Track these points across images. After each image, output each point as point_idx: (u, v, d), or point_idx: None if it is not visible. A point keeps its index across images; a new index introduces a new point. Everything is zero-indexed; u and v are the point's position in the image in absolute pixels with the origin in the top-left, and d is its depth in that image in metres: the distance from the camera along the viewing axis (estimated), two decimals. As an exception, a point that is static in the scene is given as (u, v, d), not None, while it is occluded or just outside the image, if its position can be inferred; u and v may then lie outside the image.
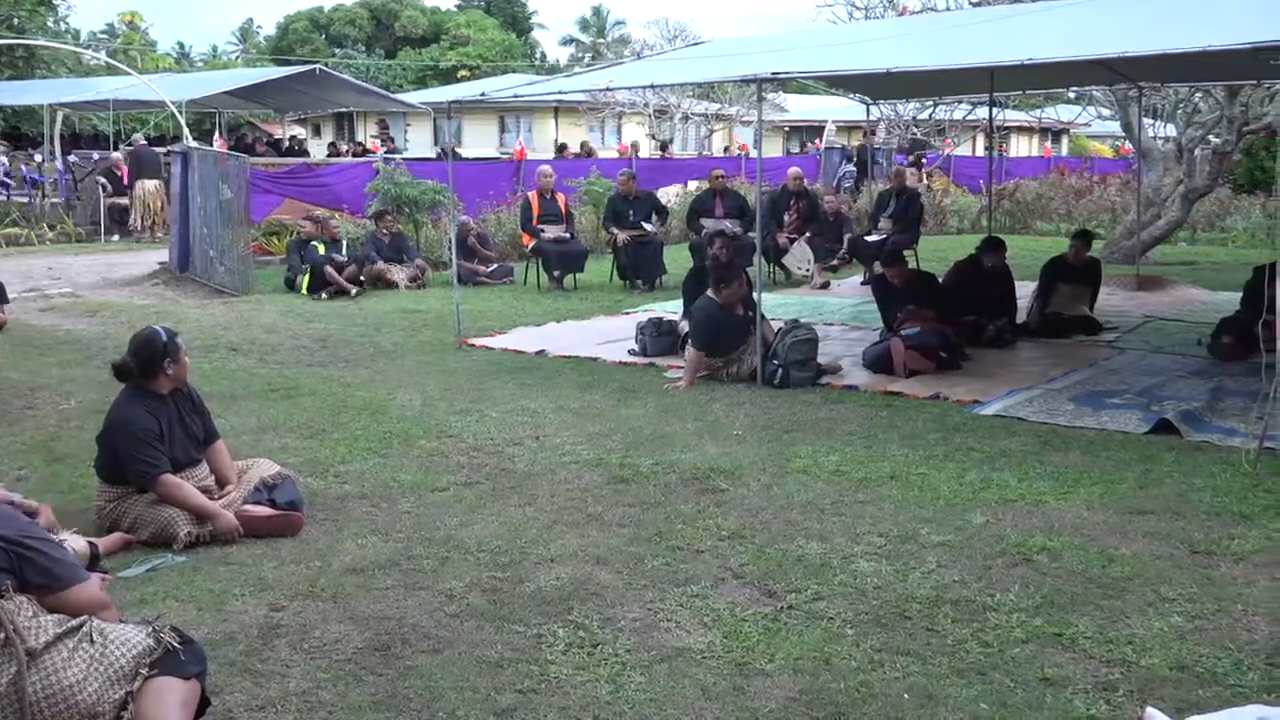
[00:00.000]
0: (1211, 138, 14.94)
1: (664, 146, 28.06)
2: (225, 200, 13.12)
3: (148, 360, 4.92)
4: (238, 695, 3.45)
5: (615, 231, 13.27)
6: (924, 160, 24.00)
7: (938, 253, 14.26)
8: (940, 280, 9.49)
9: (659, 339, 8.91)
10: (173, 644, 3.03)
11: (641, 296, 12.50)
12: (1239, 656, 3.60)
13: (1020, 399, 7.26)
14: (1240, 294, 9.02)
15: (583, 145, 26.86)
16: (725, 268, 8.32)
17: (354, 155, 22.73)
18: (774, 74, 8.01)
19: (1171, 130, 16.75)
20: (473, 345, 9.47)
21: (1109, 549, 4.57)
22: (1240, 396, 7.01)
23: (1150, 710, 2.20)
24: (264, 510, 4.91)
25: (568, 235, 13.59)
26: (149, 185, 19.08)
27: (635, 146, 24.99)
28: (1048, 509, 5.09)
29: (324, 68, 24.72)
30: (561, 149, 26.93)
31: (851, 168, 22.92)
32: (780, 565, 4.44)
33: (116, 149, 22.22)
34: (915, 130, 24.62)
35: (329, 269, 12.52)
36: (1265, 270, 8.00)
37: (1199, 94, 14.92)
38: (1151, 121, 17.59)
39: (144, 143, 20.58)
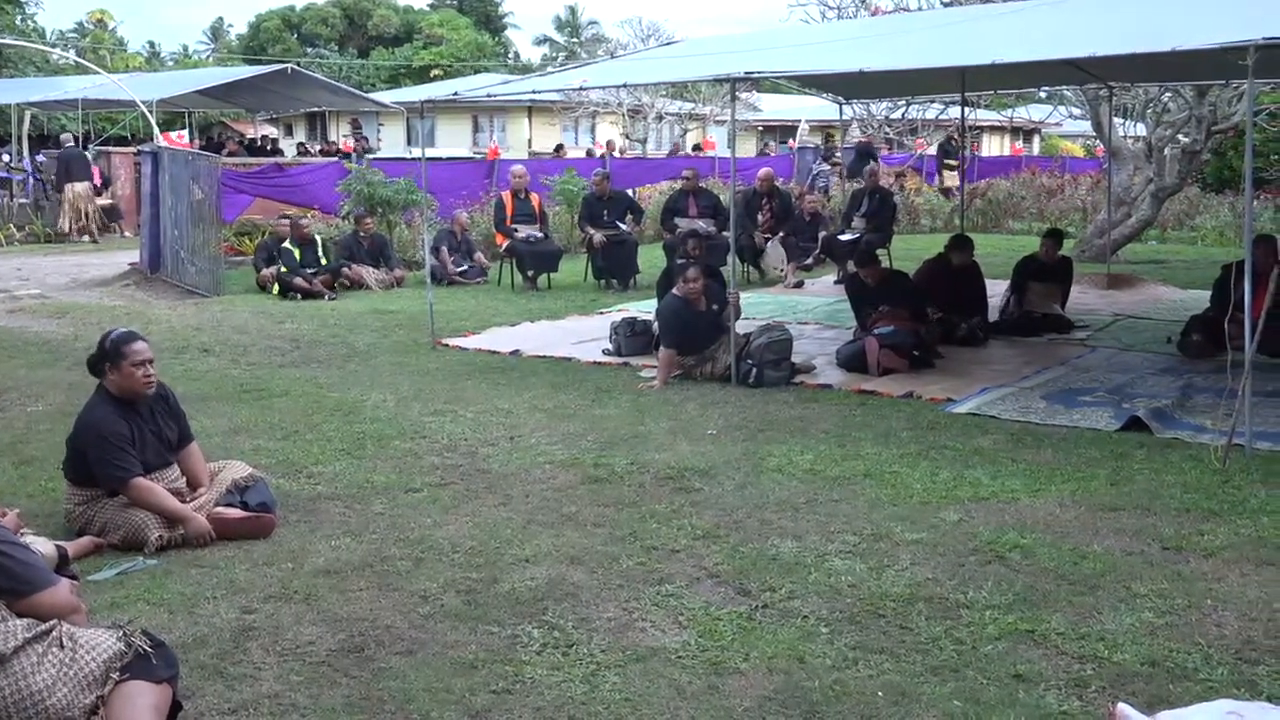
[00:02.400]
0: (1181, 137, 15.07)
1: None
2: (196, 200, 13.04)
3: (92, 361, 4.89)
4: (209, 698, 3.43)
5: (590, 231, 13.26)
6: (879, 159, 24.02)
7: (910, 252, 14.32)
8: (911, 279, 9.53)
9: (633, 339, 8.91)
10: (144, 648, 3.01)
11: (616, 296, 12.50)
12: (1209, 651, 3.63)
13: (993, 397, 7.30)
14: (1209, 292, 9.10)
15: (608, 144, 26.72)
16: (684, 262, 8.33)
17: (323, 154, 22.65)
18: (747, 73, 8.02)
19: (1141, 130, 16.89)
20: (447, 345, 9.45)
21: (1081, 546, 4.60)
22: (1209, 394, 7.07)
23: (1122, 706, 2.22)
24: (236, 512, 4.87)
25: (541, 235, 13.57)
26: (78, 188, 18.79)
27: (611, 145, 25.01)
28: (1020, 506, 5.12)
29: (296, 67, 24.60)
30: (558, 149, 27.00)
31: (826, 166, 22.97)
32: (755, 564, 4.45)
33: (86, 148, 22.03)
34: (888, 129, 24.72)
35: (299, 280, 12.44)
36: (1233, 269, 8.07)
37: (1168, 94, 15.04)
38: (1121, 121, 17.73)
39: (71, 144, 20.25)
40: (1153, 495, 5.24)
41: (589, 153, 27.83)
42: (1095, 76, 11.60)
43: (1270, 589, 4.13)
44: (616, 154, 25.77)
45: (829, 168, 22.73)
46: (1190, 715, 2.19)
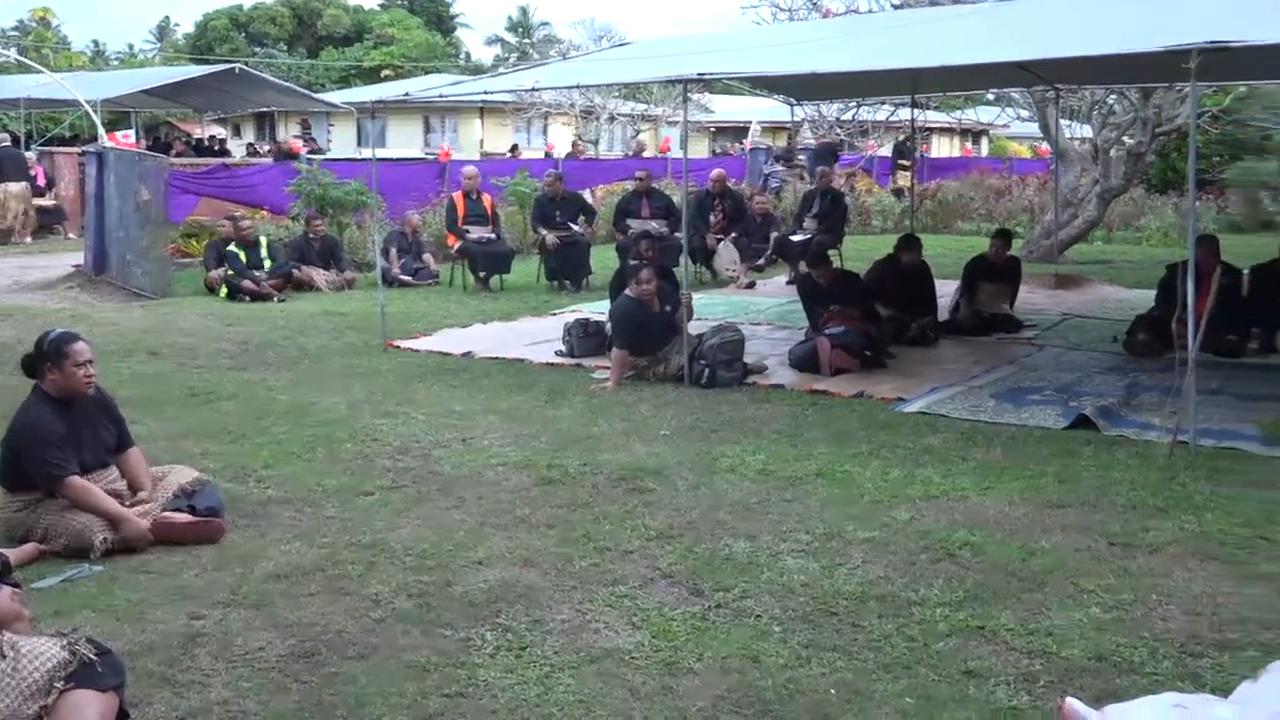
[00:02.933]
0: (1126, 139, 15.28)
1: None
2: (143, 201, 12.86)
3: (30, 360, 4.82)
4: (158, 707, 3.38)
5: (543, 233, 13.23)
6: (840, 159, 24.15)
7: (862, 252, 14.41)
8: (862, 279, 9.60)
9: (586, 340, 8.89)
10: (89, 656, 2.96)
11: (568, 297, 12.48)
12: (1155, 645, 3.69)
13: (943, 396, 7.37)
14: (1155, 292, 9.23)
15: (574, 144, 26.60)
16: (637, 263, 8.34)
17: (274, 155, 22.40)
18: (700, 75, 8.04)
19: (1087, 131, 17.11)
20: (398, 347, 9.38)
21: (1029, 543, 4.65)
22: (1155, 392, 7.18)
23: (1069, 700, 2.24)
24: (184, 517, 4.81)
25: (493, 236, 13.52)
26: (12, 188, 18.46)
27: (576, 146, 24.98)
28: (970, 504, 5.17)
29: (244, 67, 24.35)
30: (513, 149, 26.89)
31: (779, 167, 23.05)
32: (708, 564, 4.45)
33: (29, 149, 21.66)
34: (839, 131, 24.84)
35: (247, 282, 12.31)
36: (1178, 268, 8.20)
37: (1113, 96, 15.25)
38: (1068, 123, 17.95)
39: (8, 143, 19.86)
40: (1100, 492, 5.31)
41: (547, 154, 27.82)
42: (1042, 79, 11.74)
43: (1214, 583, 4.20)
44: (588, 154, 25.80)
45: (782, 168, 22.81)
46: (1136, 709, 2.22)
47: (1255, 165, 22.73)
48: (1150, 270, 12.71)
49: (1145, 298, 9.93)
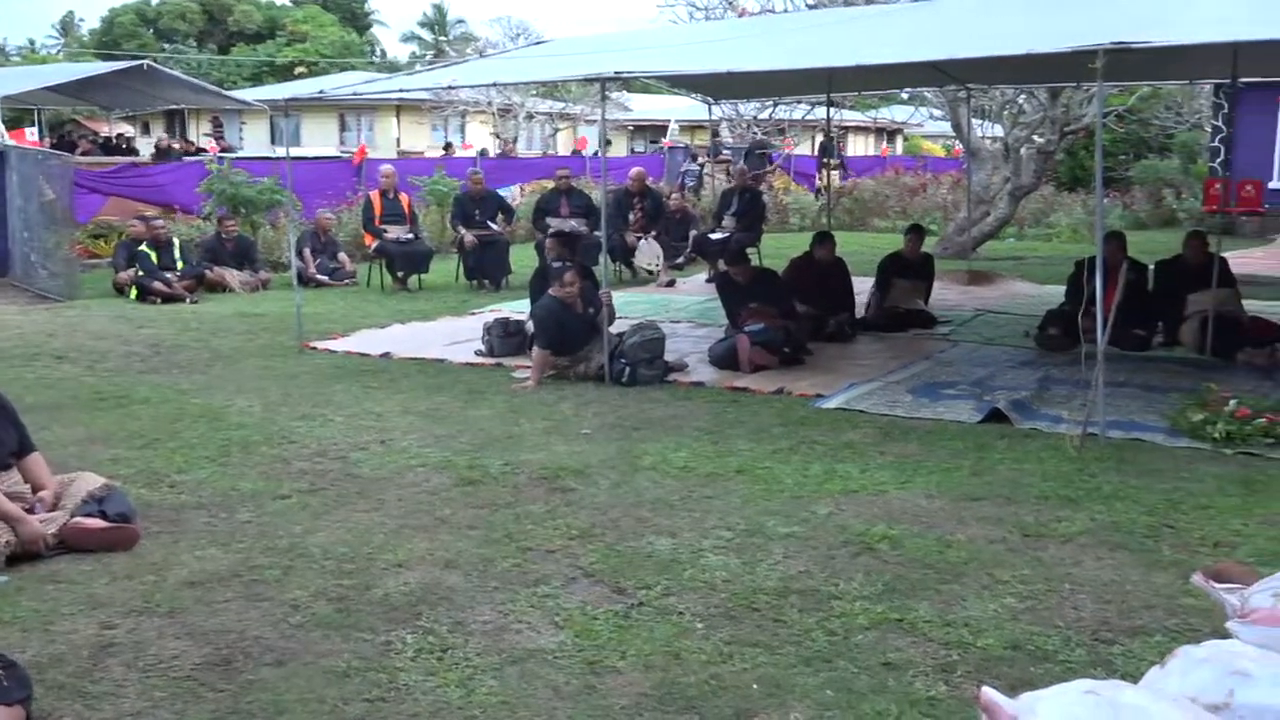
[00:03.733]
0: (1035, 138, 15.61)
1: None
2: (47, 201, 12.52)
3: None
4: (68, 719, 3.29)
5: (462, 232, 13.14)
6: (770, 159, 24.35)
7: (780, 250, 14.53)
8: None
9: (506, 339, 8.85)
10: (-6, 669, 2.88)
11: (488, 297, 12.42)
12: (1068, 634, 3.77)
13: (861, 392, 7.45)
14: (1065, 287, 9.44)
15: (512, 143, 26.35)
16: (557, 264, 8.33)
17: (184, 153, 21.93)
18: (617, 73, 8.03)
19: (999, 130, 17.44)
20: (315, 349, 9.25)
21: (946, 535, 4.72)
22: (1066, 385, 7.34)
23: (986, 690, 2.28)
24: (96, 523, 4.68)
25: (411, 235, 13.40)
26: None
27: (508, 145, 24.82)
28: (889, 498, 5.24)
29: (153, 63, 23.79)
30: (447, 147, 26.60)
31: (694, 166, 23.16)
32: (630, 562, 4.46)
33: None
34: (756, 130, 25.04)
35: (158, 284, 12.05)
36: (1085, 264, 8.40)
37: (1023, 96, 15.57)
38: (980, 122, 18.28)
39: None
40: (1013, 484, 5.42)
41: (484, 151, 27.62)
42: (954, 79, 11.93)
43: (1123, 571, 4.30)
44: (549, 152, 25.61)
45: (697, 166, 22.92)
46: (1050, 696, 2.26)
47: (1158, 163, 23.39)
48: (1060, 266, 12.99)
49: (1056, 293, 10.15)
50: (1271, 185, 18.62)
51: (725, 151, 23.20)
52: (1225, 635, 2.72)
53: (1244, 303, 9.05)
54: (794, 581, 4.25)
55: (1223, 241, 9.80)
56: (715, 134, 25.00)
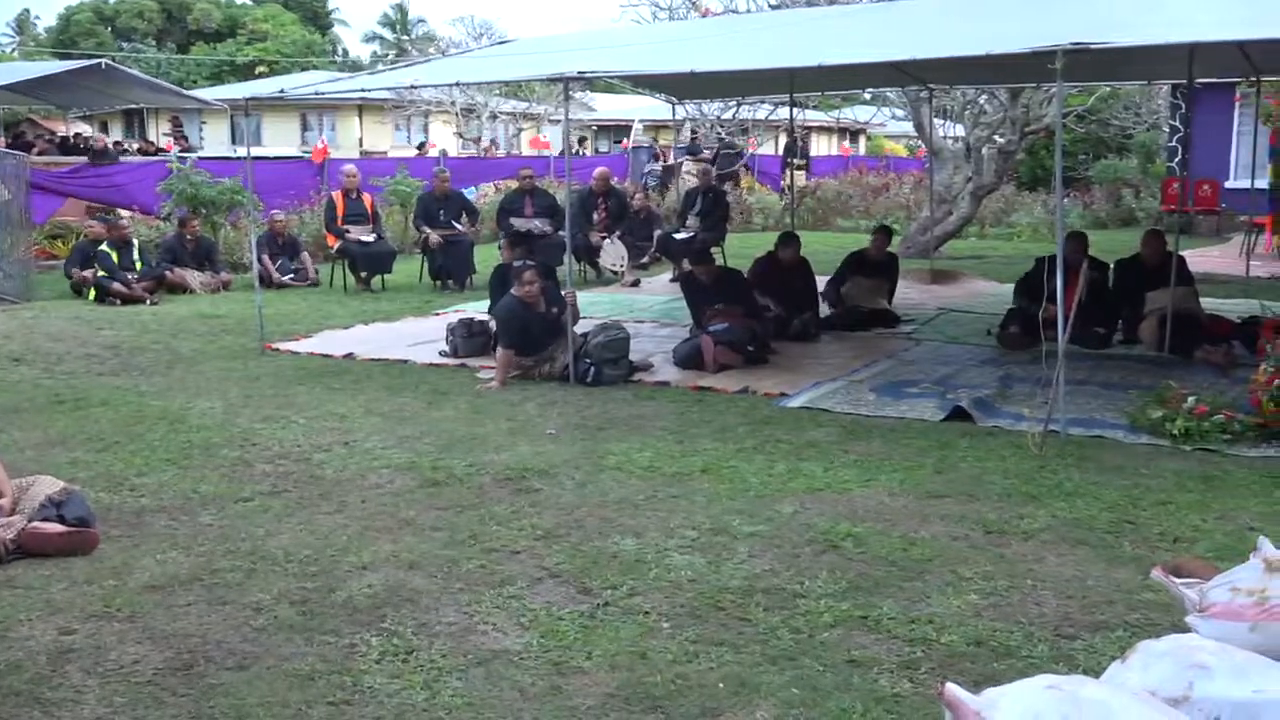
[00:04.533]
0: (997, 137, 15.73)
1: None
2: (3, 202, 12.36)
3: None
4: (26, 726, 3.25)
5: (427, 232, 13.09)
6: (739, 157, 24.37)
7: (744, 250, 14.57)
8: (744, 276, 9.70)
9: (470, 340, 8.82)
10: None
11: (451, 297, 12.37)
12: (1030, 630, 3.80)
13: (825, 391, 7.48)
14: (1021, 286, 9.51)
15: (492, 142, 26.25)
16: (516, 263, 8.32)
17: (141, 153, 21.67)
18: (580, 73, 8.03)
19: (960, 130, 17.58)
20: (277, 350, 9.18)
21: (910, 533, 4.75)
22: (1027, 383, 7.40)
23: (949, 686, 2.29)
24: (56, 527, 4.62)
25: (374, 236, 13.33)
26: None
27: (494, 144, 24.74)
28: (852, 496, 5.26)
29: (111, 62, 23.52)
30: (420, 147, 26.44)
31: (658, 166, 23.17)
32: (596, 562, 4.45)
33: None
34: (720, 130, 25.08)
35: (117, 285, 11.92)
36: (1045, 262, 8.47)
37: (984, 96, 15.69)
38: (942, 122, 18.42)
39: None
40: (976, 482, 5.46)
41: (444, 152, 27.47)
42: (916, 79, 12.01)
43: (1084, 567, 4.34)
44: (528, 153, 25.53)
45: (658, 166, 22.94)
46: (1013, 691, 2.28)
47: (1117, 163, 23.63)
48: (1021, 265, 13.07)
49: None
50: (1228, 185, 18.85)
51: (706, 151, 23.21)
52: (1185, 629, 2.75)
53: (1201, 301, 9.17)
54: (759, 580, 4.26)
55: (1180, 240, 9.91)
56: (694, 134, 25.03)
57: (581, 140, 29.77)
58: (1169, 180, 18.74)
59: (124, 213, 14.47)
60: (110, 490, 5.44)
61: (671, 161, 22.07)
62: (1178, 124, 19.25)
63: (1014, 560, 4.44)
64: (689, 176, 18.47)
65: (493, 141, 25.77)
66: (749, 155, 25.48)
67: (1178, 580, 2.98)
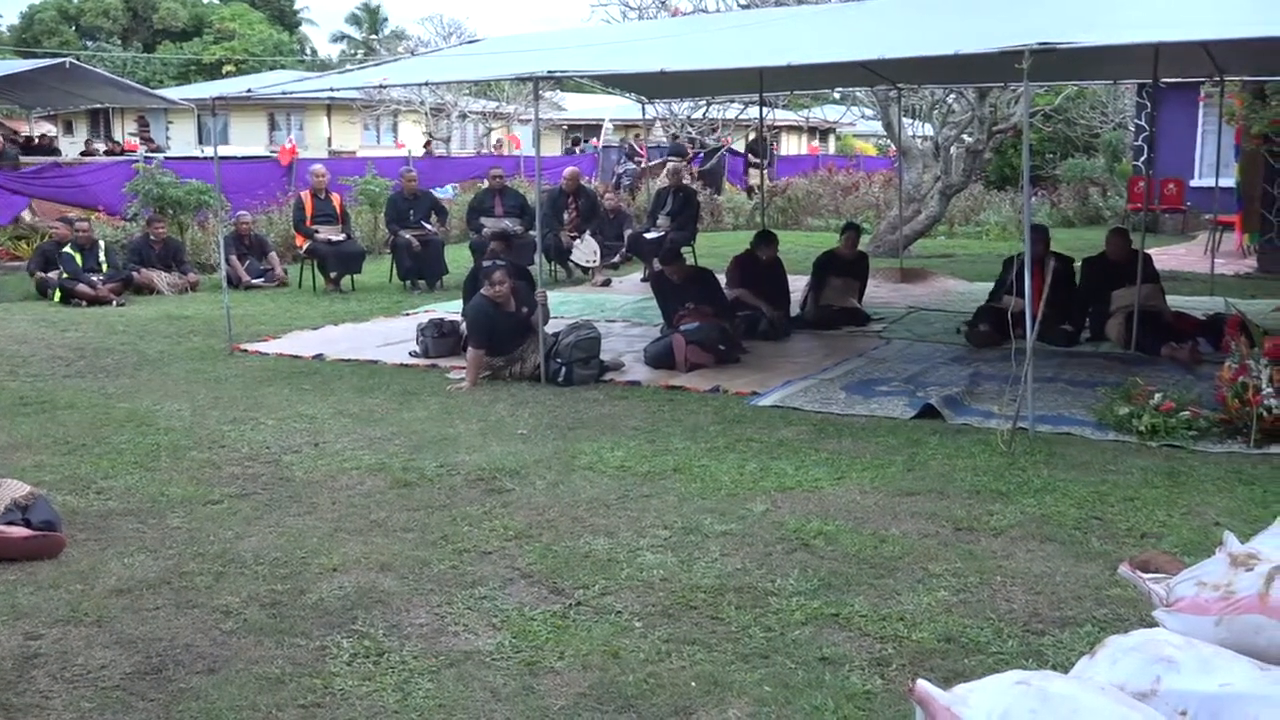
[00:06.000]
0: (965, 137, 15.81)
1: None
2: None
3: None
4: (-9, 732, 3.22)
5: (401, 232, 13.02)
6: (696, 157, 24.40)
7: (715, 249, 14.62)
8: (720, 275, 9.71)
9: (441, 340, 8.79)
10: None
11: (421, 297, 12.33)
12: (1000, 625, 3.82)
13: (796, 389, 7.51)
14: (993, 285, 9.58)
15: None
16: (486, 264, 8.30)
17: (108, 154, 21.44)
18: (550, 72, 8.02)
19: (929, 130, 17.66)
20: (245, 351, 9.12)
21: (880, 530, 4.77)
22: (996, 380, 7.45)
23: (920, 682, 2.30)
24: (21, 531, 4.57)
25: (344, 236, 13.26)
26: None
27: (499, 144, 24.64)
28: (824, 494, 5.28)
29: (75, 61, 23.30)
30: (426, 145, 26.37)
31: (631, 165, 23.16)
32: (568, 563, 4.45)
33: None
34: (690, 129, 25.09)
35: (82, 286, 11.81)
36: (1014, 261, 8.52)
37: (953, 95, 15.77)
38: (911, 121, 18.48)
39: None
40: (946, 479, 5.49)
41: (496, 149, 27.43)
42: (885, 78, 12.05)
43: (1053, 563, 4.38)
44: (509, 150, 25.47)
45: (634, 166, 22.93)
46: (982, 687, 2.29)
47: (1084, 162, 23.82)
48: (990, 264, 13.20)
49: (986, 290, 10.27)
50: (1193, 183, 19.04)
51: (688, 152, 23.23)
52: (1152, 624, 2.78)
53: (1167, 298, 9.25)
54: (731, 579, 4.27)
55: (1146, 238, 10.00)
56: (675, 135, 25.04)
57: (576, 142, 29.71)
58: (1135, 179, 18.88)
59: (73, 213, 14.27)
60: (76, 493, 5.39)
61: (654, 161, 22.09)
62: (1143, 123, 19.42)
63: (983, 557, 4.46)
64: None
65: (447, 138, 25.71)
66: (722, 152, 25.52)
67: (1145, 575, 3.01)
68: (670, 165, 17.34)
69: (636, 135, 28.19)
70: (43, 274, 12.26)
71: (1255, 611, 2.44)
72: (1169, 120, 18.30)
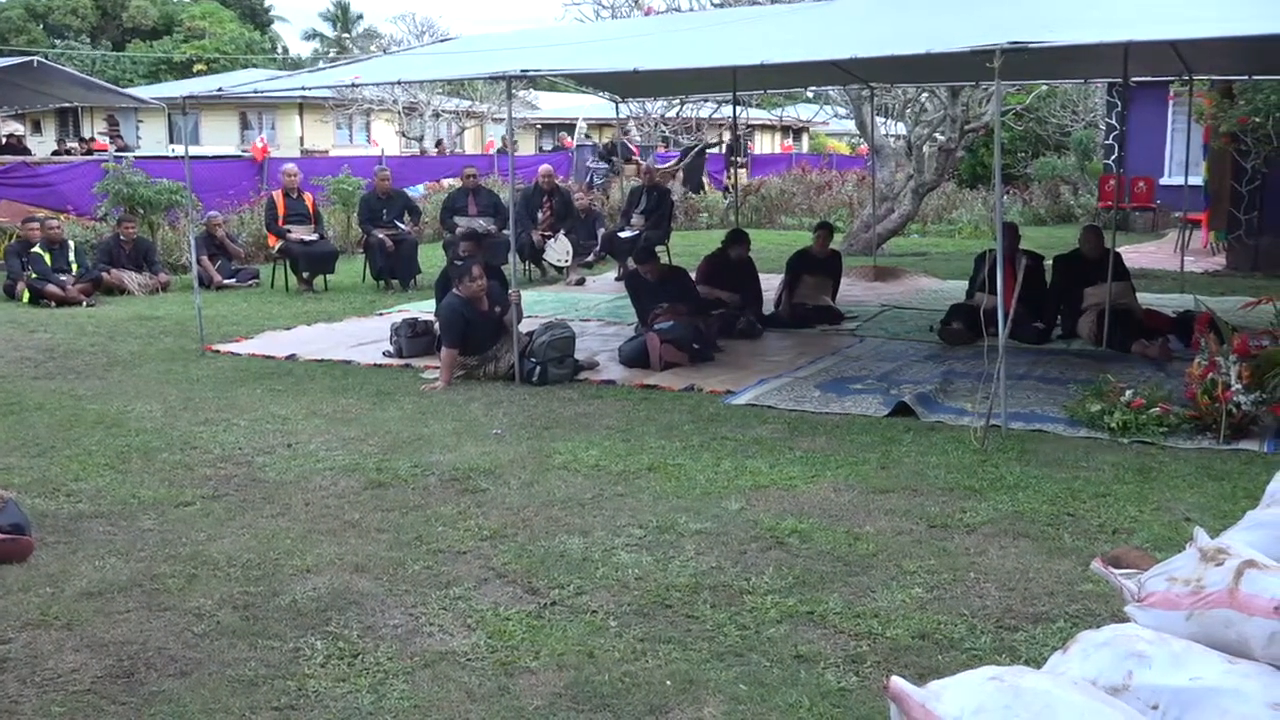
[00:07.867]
0: (937, 136, 15.89)
1: None
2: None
3: None
4: (-40, 738, 3.18)
5: (375, 232, 12.97)
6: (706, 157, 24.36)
7: (689, 248, 14.63)
8: (693, 274, 9.73)
9: (415, 340, 8.76)
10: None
11: (395, 297, 12.28)
12: (973, 622, 3.84)
13: (770, 388, 7.52)
14: (966, 284, 9.63)
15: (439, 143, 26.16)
16: (459, 263, 8.28)
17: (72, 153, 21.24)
18: (524, 71, 8.00)
19: (902, 128, 17.74)
20: (218, 351, 9.06)
21: (854, 528, 4.79)
22: (968, 378, 7.48)
23: (895, 679, 2.31)
24: (-11, 535, 4.54)
25: (316, 235, 13.20)
26: None
27: (441, 145, 24.58)
28: (798, 492, 5.29)
29: (43, 59, 23.08)
30: (438, 144, 26.24)
31: (603, 164, 23.15)
32: (543, 562, 4.44)
33: None
34: (664, 128, 25.11)
35: (52, 287, 11.71)
36: (986, 258, 8.57)
37: (925, 94, 15.84)
38: (883, 120, 18.56)
39: None
40: (919, 476, 5.51)
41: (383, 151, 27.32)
42: (858, 78, 12.10)
43: (1025, 559, 4.40)
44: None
45: (605, 165, 22.92)
46: (956, 683, 2.30)
47: (1055, 161, 23.98)
48: (962, 262, 13.27)
49: (958, 288, 10.36)
50: (1163, 182, 19.19)
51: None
52: (1124, 619, 2.79)
53: (1138, 296, 9.32)
54: (706, 577, 4.27)
55: (1117, 236, 10.07)
56: (665, 138, 25.08)
57: (580, 141, 29.65)
58: (1106, 177, 19.05)
59: (40, 213, 14.13)
60: (46, 496, 5.34)
61: (650, 162, 22.09)
62: (1114, 122, 19.56)
63: (957, 553, 4.49)
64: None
65: (439, 142, 25.65)
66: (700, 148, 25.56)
67: (1116, 571, 3.02)
68: (644, 164, 17.35)
69: (626, 134, 28.20)
70: (18, 278, 12.12)
71: (1225, 606, 2.45)
72: (1139, 119, 18.44)
